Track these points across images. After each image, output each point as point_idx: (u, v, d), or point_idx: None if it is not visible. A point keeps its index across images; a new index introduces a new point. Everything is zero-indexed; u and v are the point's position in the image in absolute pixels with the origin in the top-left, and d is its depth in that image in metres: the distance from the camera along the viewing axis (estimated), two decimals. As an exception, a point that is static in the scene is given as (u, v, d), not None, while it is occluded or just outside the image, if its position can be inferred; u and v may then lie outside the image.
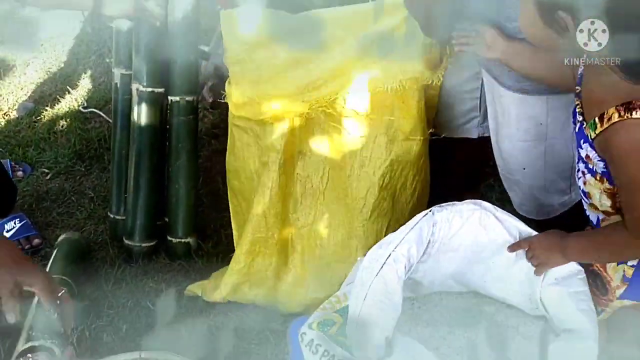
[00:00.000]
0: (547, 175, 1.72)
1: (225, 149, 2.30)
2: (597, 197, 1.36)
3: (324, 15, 1.64)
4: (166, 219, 2.05)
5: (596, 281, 1.45)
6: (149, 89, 1.91)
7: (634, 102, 1.18)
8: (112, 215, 2.09)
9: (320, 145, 1.72)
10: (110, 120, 2.21)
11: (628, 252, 1.34)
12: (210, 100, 2.20)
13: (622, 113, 1.18)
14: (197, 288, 1.90)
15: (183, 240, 2.02)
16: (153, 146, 1.98)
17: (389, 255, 1.39)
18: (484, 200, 1.67)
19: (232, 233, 1.91)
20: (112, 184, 2.09)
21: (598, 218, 1.40)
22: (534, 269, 1.46)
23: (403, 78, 1.64)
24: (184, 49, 1.89)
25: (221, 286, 1.84)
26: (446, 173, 2.04)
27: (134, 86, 1.93)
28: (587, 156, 1.32)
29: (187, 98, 1.93)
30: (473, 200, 1.49)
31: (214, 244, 2.06)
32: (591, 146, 1.29)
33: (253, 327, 1.83)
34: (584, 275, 1.44)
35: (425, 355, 1.31)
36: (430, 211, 1.45)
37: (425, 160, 1.75)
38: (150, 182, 1.99)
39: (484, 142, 1.93)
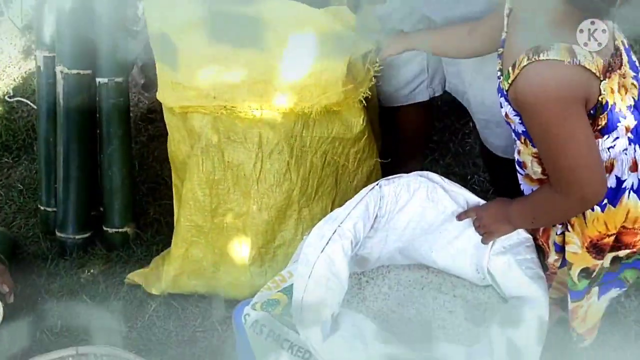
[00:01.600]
0: None
1: (161, 135, 2.22)
2: (530, 164, 1.32)
3: (255, 9, 1.49)
4: (101, 209, 1.95)
5: (540, 257, 1.44)
6: (74, 71, 1.81)
7: (541, 45, 1.15)
8: (42, 208, 1.99)
9: (251, 131, 1.59)
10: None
11: (557, 210, 1.30)
12: (142, 81, 2.10)
13: (531, 56, 1.15)
14: (137, 277, 1.82)
15: (120, 230, 1.93)
16: (82, 132, 1.87)
17: (335, 231, 1.35)
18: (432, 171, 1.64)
19: (173, 221, 1.84)
20: (40, 174, 1.98)
21: (532, 190, 1.37)
22: (481, 238, 1.44)
23: (327, 102, 1.56)
24: (110, 28, 1.79)
25: (162, 278, 1.76)
26: (394, 140, 2.00)
27: (58, 69, 1.82)
28: (507, 114, 1.28)
29: (117, 79, 1.84)
30: (420, 172, 1.46)
31: (153, 233, 1.98)
32: (506, 99, 1.25)
33: (197, 315, 1.77)
34: (532, 243, 1.43)
35: (372, 329, 1.28)
36: (377, 184, 1.42)
37: (369, 137, 1.70)
38: (82, 170, 1.89)
39: (429, 104, 1.89)
